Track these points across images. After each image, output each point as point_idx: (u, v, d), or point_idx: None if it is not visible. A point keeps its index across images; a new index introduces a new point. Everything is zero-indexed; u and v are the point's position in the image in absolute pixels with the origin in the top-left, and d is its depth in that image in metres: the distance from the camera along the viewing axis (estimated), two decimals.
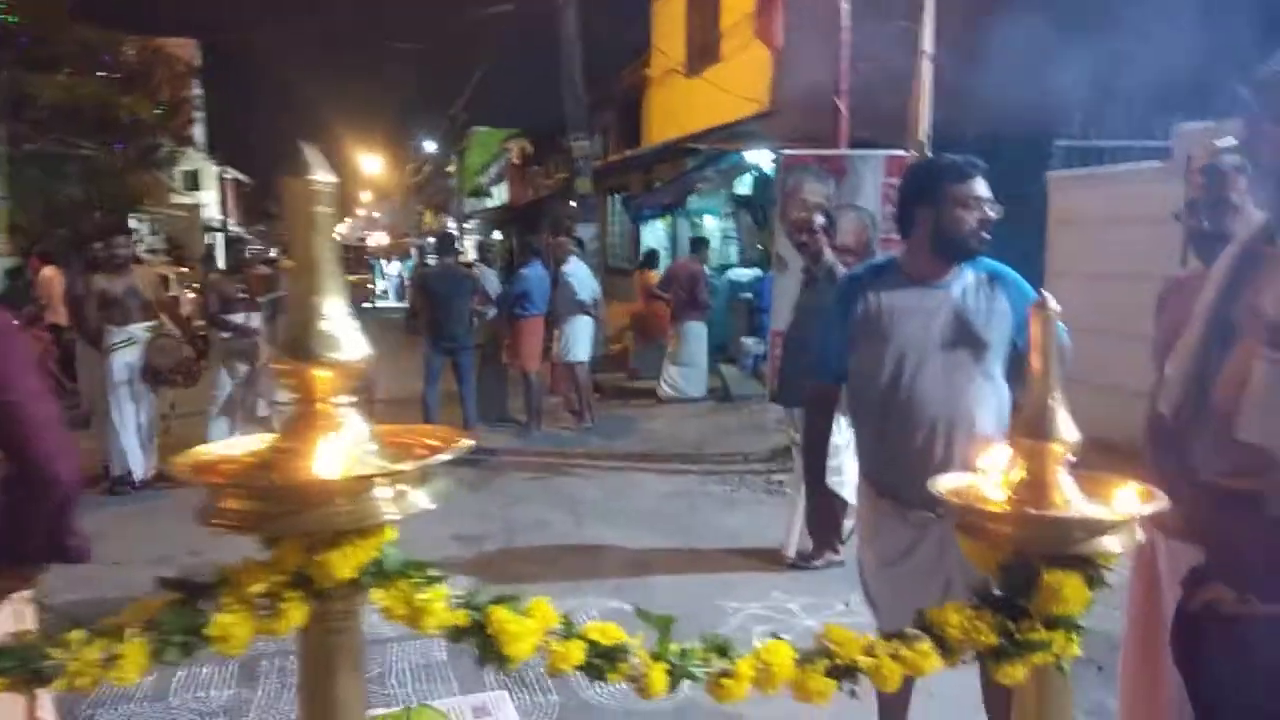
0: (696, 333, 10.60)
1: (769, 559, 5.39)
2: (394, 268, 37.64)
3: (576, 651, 1.09)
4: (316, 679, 1.08)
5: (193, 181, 34.05)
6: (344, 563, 1.01)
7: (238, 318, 7.45)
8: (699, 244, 11.51)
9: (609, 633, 1.12)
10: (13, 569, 1.97)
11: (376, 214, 63.76)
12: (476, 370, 9.10)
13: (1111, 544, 1.22)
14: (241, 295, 7.44)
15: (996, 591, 1.26)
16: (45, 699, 2.08)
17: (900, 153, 7.40)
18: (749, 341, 11.12)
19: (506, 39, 17.95)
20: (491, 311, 9.58)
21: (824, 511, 2.91)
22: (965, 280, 2.59)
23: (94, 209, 17.58)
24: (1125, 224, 6.96)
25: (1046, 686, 1.25)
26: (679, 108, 14.32)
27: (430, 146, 37.15)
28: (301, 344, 1.04)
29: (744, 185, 12.54)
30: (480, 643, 1.07)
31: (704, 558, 5.59)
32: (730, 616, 4.68)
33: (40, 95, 16.38)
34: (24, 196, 16.80)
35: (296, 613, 1.02)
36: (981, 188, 2.54)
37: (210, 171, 34.82)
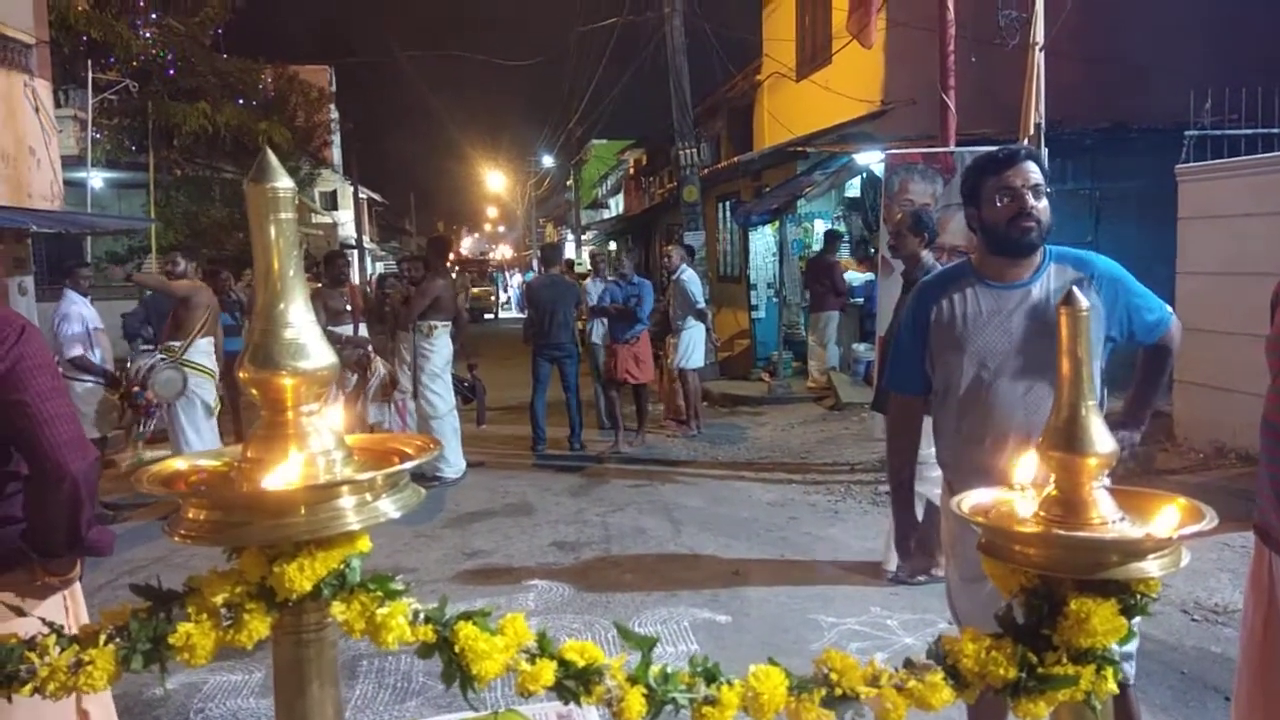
0: (835, 321, 11.20)
1: (870, 573, 5.21)
2: (516, 280, 38.53)
3: (547, 672, 1.04)
4: (288, 692, 1.06)
5: (331, 201, 35.77)
6: (301, 575, 0.99)
7: (345, 329, 7.75)
8: (832, 238, 11.62)
9: (586, 652, 1.06)
10: (42, 564, 2.05)
11: (501, 228, 65.46)
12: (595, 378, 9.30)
13: (1151, 568, 1.08)
14: (346, 307, 7.73)
15: (1017, 619, 1.14)
16: (104, 696, 2.16)
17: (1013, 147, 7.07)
18: (859, 348, 10.85)
19: (619, 51, 18.13)
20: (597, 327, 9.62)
21: (908, 528, 2.75)
22: (1047, 277, 2.41)
23: (237, 229, 18.65)
24: (1263, 218, 6.44)
25: None
26: (789, 112, 14.13)
27: (550, 161, 37.91)
28: (266, 353, 1.03)
29: (854, 188, 12.26)
30: (446, 660, 1.04)
31: (802, 570, 5.45)
32: (826, 632, 4.54)
33: (185, 123, 17.48)
34: (172, 219, 17.95)
35: (258, 624, 1.01)
36: (1019, 176, 2.34)
37: (347, 192, 36.46)
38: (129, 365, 8.55)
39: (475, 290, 31.78)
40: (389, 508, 1.06)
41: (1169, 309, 2.49)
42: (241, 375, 1.05)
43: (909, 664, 1.12)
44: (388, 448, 1.16)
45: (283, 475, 1.01)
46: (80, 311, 7.13)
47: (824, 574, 5.35)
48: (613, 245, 29.66)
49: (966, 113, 8.44)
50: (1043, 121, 6.84)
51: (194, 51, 18.17)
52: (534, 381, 8.89)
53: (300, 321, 1.05)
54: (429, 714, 3.55)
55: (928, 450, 2.78)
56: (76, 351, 7.00)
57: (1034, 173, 2.35)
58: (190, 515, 1.01)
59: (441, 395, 7.84)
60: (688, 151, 13.15)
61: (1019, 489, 1.25)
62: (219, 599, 1.01)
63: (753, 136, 16.38)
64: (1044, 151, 6.90)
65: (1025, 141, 6.88)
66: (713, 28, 14.55)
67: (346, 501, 1.02)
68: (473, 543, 6.19)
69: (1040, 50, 6.79)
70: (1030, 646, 1.10)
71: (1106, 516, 1.14)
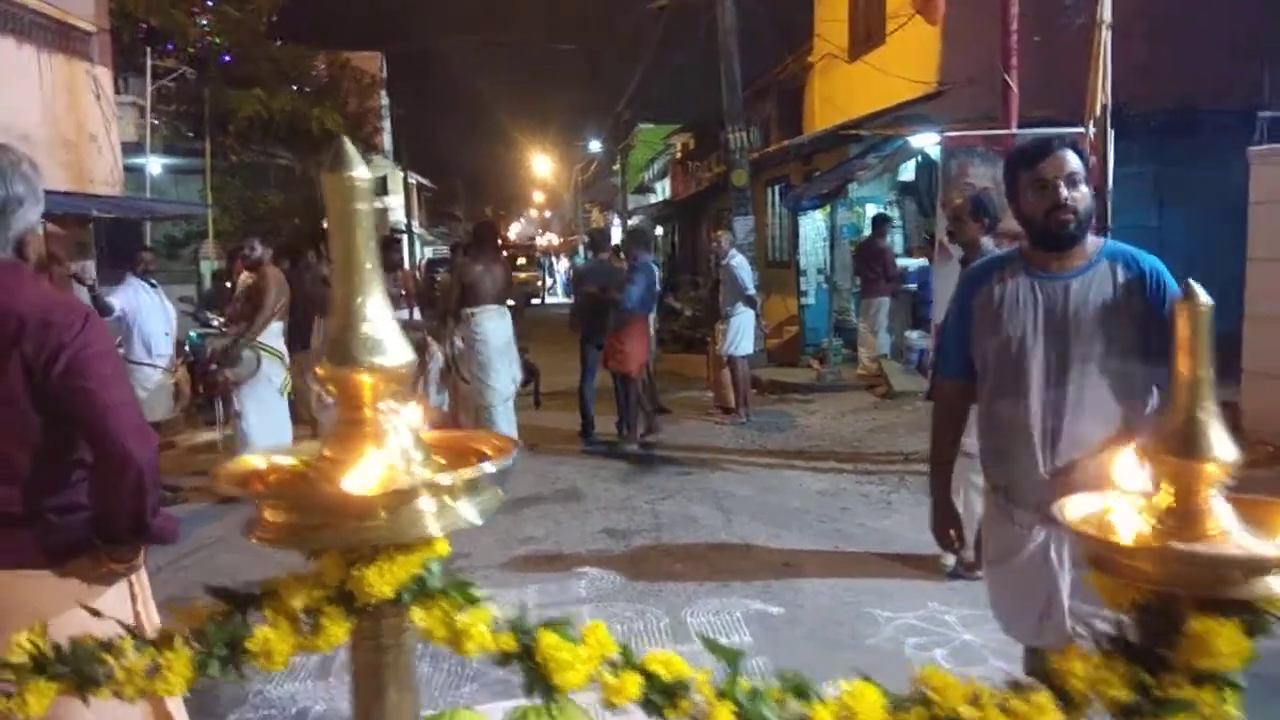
0: (885, 307, 11.07)
1: (927, 566, 5.11)
2: (563, 265, 38.60)
3: (632, 685, 1.00)
4: (366, 698, 1.03)
5: (382, 187, 36.04)
6: (380, 579, 0.95)
7: (400, 315, 7.78)
8: (881, 221, 11.44)
9: (671, 665, 1.02)
10: (108, 552, 2.06)
11: (548, 213, 65.61)
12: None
13: (1279, 586, 1.01)
14: (400, 292, 7.76)
15: (1130, 638, 1.07)
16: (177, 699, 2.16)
17: (1077, 130, 6.87)
18: (912, 335, 10.68)
19: (668, 33, 17.97)
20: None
21: (944, 516, 2.78)
22: (1094, 270, 2.38)
23: (291, 215, 18.88)
24: None
25: None
26: (841, 94, 13.91)
27: (596, 145, 37.84)
28: (344, 349, 0.99)
29: (908, 172, 12.04)
30: (527, 669, 1.00)
31: (857, 562, 5.37)
32: (882, 626, 4.47)
33: (240, 110, 17.70)
34: (228, 204, 18.21)
35: (337, 629, 0.98)
36: (1052, 167, 2.32)
37: (397, 177, 36.75)
38: (188, 348, 8.70)
39: (522, 275, 31.89)
40: (469, 512, 1.02)
41: None
42: (319, 371, 1.01)
43: (1015, 685, 1.05)
44: (466, 447, 1.13)
45: (362, 477, 0.97)
46: (140, 296, 7.25)
47: (878, 566, 5.27)
48: (659, 229, 29.55)
49: (1028, 94, 8.21)
50: (1109, 103, 6.62)
51: (249, 38, 18.38)
52: (582, 368, 8.86)
53: (378, 316, 1.01)
54: (484, 699, 3.54)
55: (971, 440, 2.82)
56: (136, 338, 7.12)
57: (1069, 162, 2.33)
58: (268, 517, 0.99)
59: (488, 384, 7.68)
60: (737, 135, 13.00)
61: (1122, 495, 1.18)
62: (297, 603, 0.98)
63: (803, 120, 16.16)
64: (1110, 134, 6.69)
65: (1091, 124, 6.67)
66: (764, 8, 14.35)
67: (427, 505, 0.99)
68: (524, 528, 6.20)
69: (1107, 29, 6.57)
70: (1145, 666, 1.03)
71: (1227, 528, 1.07)
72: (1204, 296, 1.08)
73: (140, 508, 2.04)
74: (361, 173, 1.00)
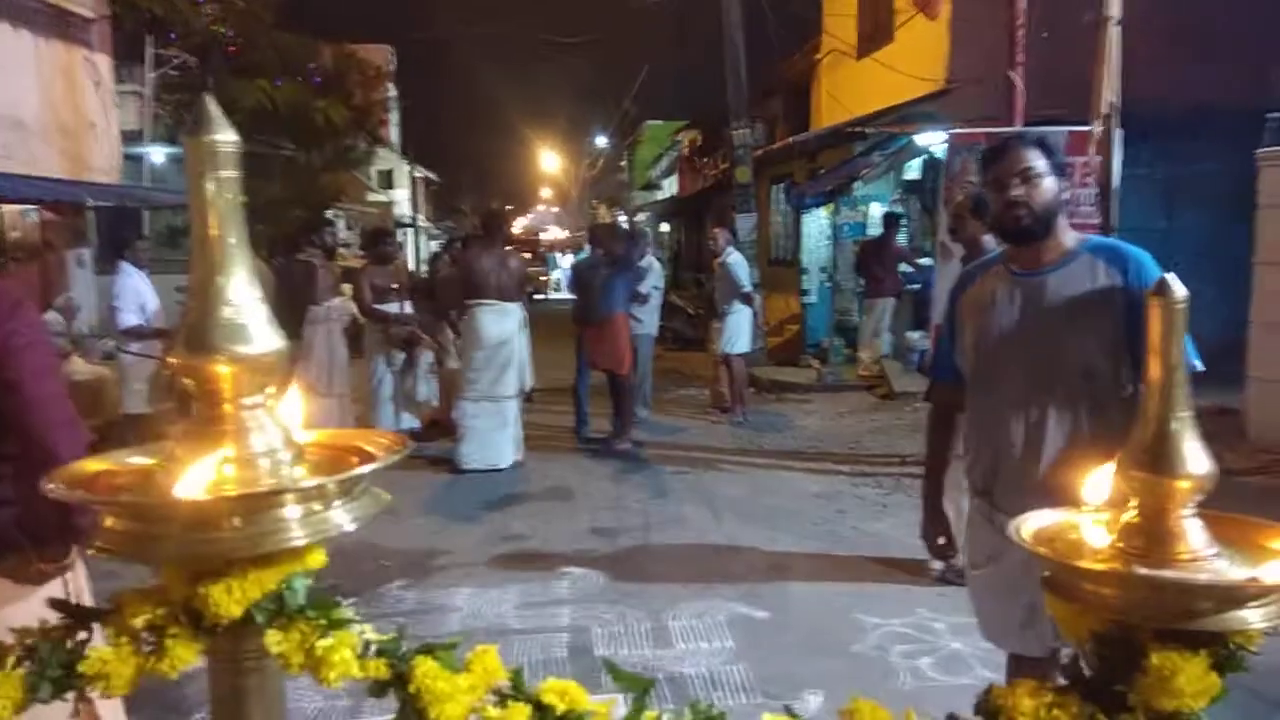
0: (889, 307, 11.00)
1: (918, 571, 4.99)
2: (567, 261, 38.45)
3: (520, 718, 0.89)
4: None
5: (387, 180, 35.98)
6: (228, 597, 0.84)
7: (391, 307, 7.68)
8: (892, 220, 11.30)
9: (567, 695, 0.90)
10: (36, 552, 1.97)
11: (554, 209, 65.51)
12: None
13: (1254, 618, 0.89)
14: (393, 285, 7.65)
15: (1086, 671, 0.95)
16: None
17: (1084, 128, 6.74)
18: (914, 336, 10.53)
19: (674, 29, 17.85)
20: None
21: (932, 520, 2.75)
22: (1071, 266, 2.31)
23: (294, 206, 18.81)
24: None
25: None
26: (848, 91, 13.75)
27: (603, 141, 37.71)
28: (200, 336, 0.88)
29: (913, 170, 11.90)
30: (400, 700, 0.89)
31: (847, 565, 5.25)
32: (869, 633, 4.35)
33: (244, 100, 17.62)
34: None
35: (184, 651, 0.86)
36: (1006, 165, 2.32)
37: (404, 170, 36.67)
38: None
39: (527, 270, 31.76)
40: (342, 518, 0.91)
41: (1197, 363, 2.08)
42: (172, 361, 0.90)
43: (951, 718, 0.94)
44: (350, 446, 1.01)
45: (210, 479, 0.86)
46: (136, 284, 7.15)
47: (869, 571, 5.16)
48: (665, 226, 29.40)
49: (1035, 92, 8.08)
50: (1118, 102, 6.48)
51: (254, 28, 18.30)
52: (578, 364, 8.75)
53: (242, 299, 0.89)
54: None
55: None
56: (131, 321, 7.01)
57: (1023, 158, 2.31)
58: (108, 524, 0.87)
59: (465, 377, 7.51)
60: (741, 131, 12.87)
61: (1088, 511, 1.06)
62: (139, 621, 0.87)
63: (810, 117, 15.99)
64: (1118, 133, 6.55)
65: (1098, 123, 6.54)
66: (770, 3, 14.21)
67: (290, 511, 0.87)
68: (510, 526, 6.09)
69: (1115, 26, 6.43)
70: (1100, 705, 0.91)
71: (1198, 551, 0.95)
72: (1179, 290, 0.96)
73: (66, 506, 1.94)
74: (226, 135, 0.89)
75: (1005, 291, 2.39)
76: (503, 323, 7.40)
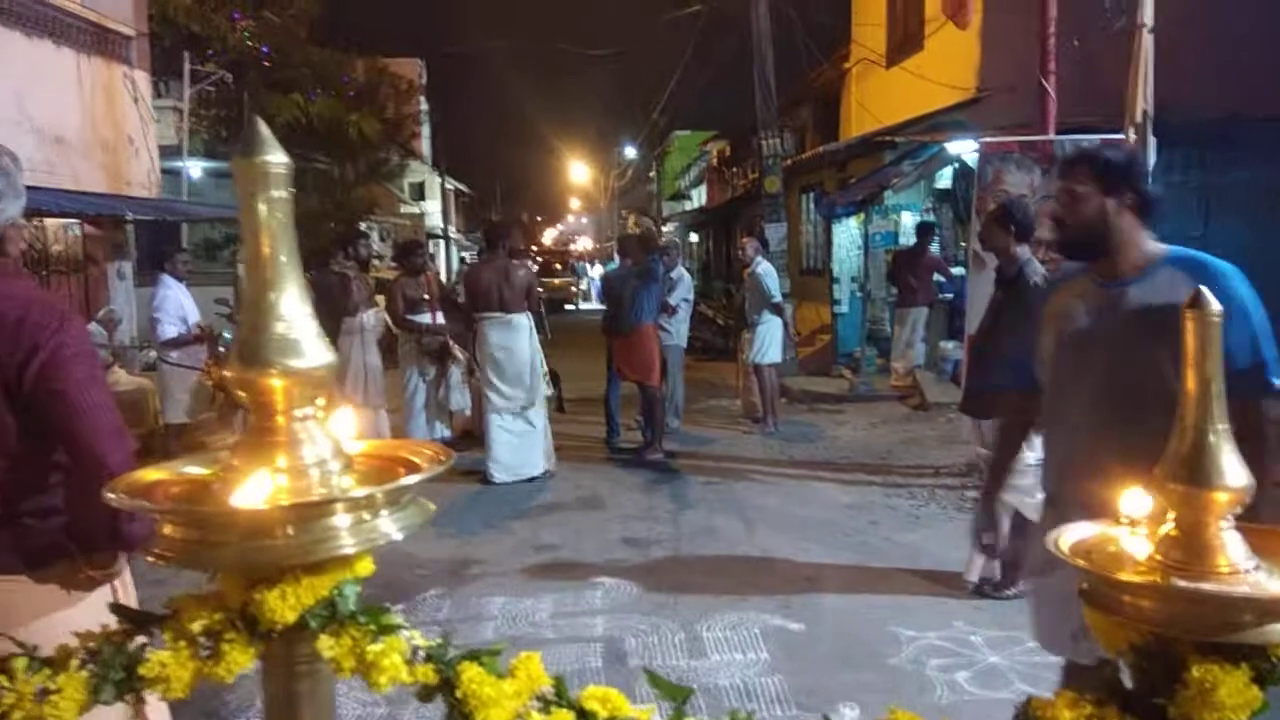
0: (923, 317, 10.96)
1: (953, 584, 4.95)
2: (596, 270, 38.57)
3: None
4: None
5: (419, 192, 36.35)
6: (283, 603, 0.87)
7: (423, 318, 7.75)
8: (926, 229, 11.26)
9: (609, 702, 0.92)
10: (85, 559, 2.01)
11: (584, 219, 65.77)
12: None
13: None
14: (424, 297, 7.72)
15: (1126, 685, 0.95)
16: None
17: (1117, 136, 6.67)
18: (948, 346, 10.46)
19: (703, 40, 17.90)
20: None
21: (984, 520, 2.80)
22: (1154, 277, 2.29)
23: (329, 219, 19.05)
24: None
25: None
26: (878, 100, 13.71)
27: (632, 152, 37.83)
28: (254, 350, 0.91)
29: (945, 179, 11.83)
30: (449, 704, 0.91)
31: (881, 577, 5.22)
32: (904, 646, 4.32)
33: (279, 114, 17.90)
34: None
35: (240, 655, 0.89)
36: (1060, 180, 2.40)
37: (435, 182, 37.01)
38: (222, 349, 8.73)
39: (556, 281, 31.91)
40: (389, 527, 0.93)
41: (1276, 381, 2.10)
42: (227, 374, 0.93)
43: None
44: (396, 457, 1.04)
45: (265, 489, 0.89)
46: (176, 296, 7.30)
47: (903, 583, 5.11)
48: (694, 236, 29.42)
49: (1068, 100, 8.00)
50: (1150, 109, 6.41)
51: (289, 43, 18.60)
52: (608, 374, 8.78)
53: (294, 315, 0.93)
54: None
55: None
56: (172, 333, 7.15)
57: (1067, 178, 2.38)
58: (166, 532, 0.91)
59: (486, 392, 7.52)
60: (770, 141, 12.88)
61: (1127, 523, 1.06)
62: (197, 626, 0.90)
63: (839, 126, 15.97)
64: (1151, 142, 6.48)
65: (1131, 131, 6.47)
66: (799, 13, 14.22)
67: (340, 520, 0.90)
68: (542, 536, 6.12)
69: (1149, 32, 6.37)
70: (1139, 717, 0.91)
71: (1237, 564, 0.95)
72: (1214, 304, 0.97)
73: (115, 513, 1.98)
74: (277, 157, 0.92)
75: (1086, 301, 2.39)
76: (507, 334, 7.38)
